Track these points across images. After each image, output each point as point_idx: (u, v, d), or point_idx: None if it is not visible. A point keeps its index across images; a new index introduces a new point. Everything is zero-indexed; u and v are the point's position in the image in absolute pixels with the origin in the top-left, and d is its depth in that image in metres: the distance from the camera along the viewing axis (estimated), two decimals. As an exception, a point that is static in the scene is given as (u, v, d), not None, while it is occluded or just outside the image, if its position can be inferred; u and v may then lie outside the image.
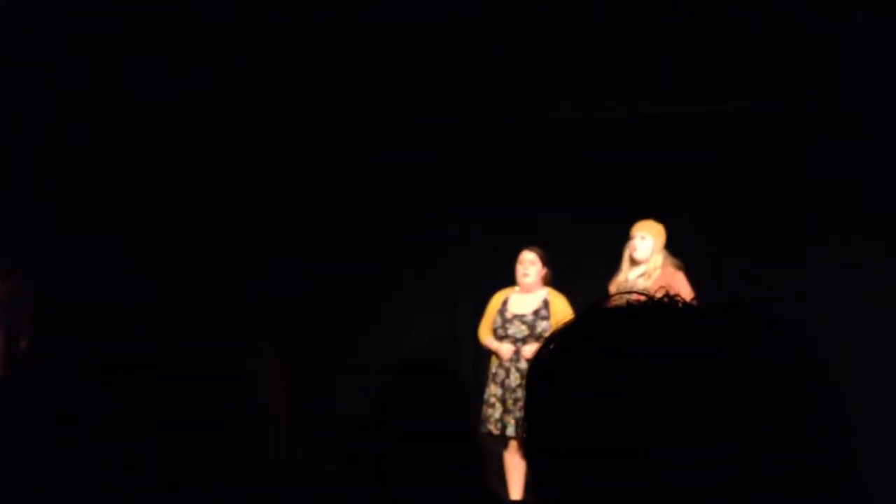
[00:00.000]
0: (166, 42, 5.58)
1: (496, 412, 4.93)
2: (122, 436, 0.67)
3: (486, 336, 5.13)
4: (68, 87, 5.57)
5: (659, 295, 0.66)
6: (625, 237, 4.96)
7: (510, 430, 4.83)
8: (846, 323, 5.04)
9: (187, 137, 5.97)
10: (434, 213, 6.20)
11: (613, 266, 5.03)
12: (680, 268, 4.87)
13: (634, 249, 4.88)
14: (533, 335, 4.91)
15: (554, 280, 5.14)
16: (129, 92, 5.72)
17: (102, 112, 5.78)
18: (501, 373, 4.97)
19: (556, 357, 0.66)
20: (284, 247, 6.02)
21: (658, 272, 4.82)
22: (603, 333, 0.64)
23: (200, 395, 0.70)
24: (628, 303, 0.66)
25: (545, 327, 4.93)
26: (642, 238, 4.88)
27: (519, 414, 4.75)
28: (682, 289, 4.75)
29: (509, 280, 5.19)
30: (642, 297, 0.66)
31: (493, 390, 4.98)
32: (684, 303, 0.66)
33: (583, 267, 5.61)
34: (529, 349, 4.89)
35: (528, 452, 0.65)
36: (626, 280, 4.88)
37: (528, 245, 5.14)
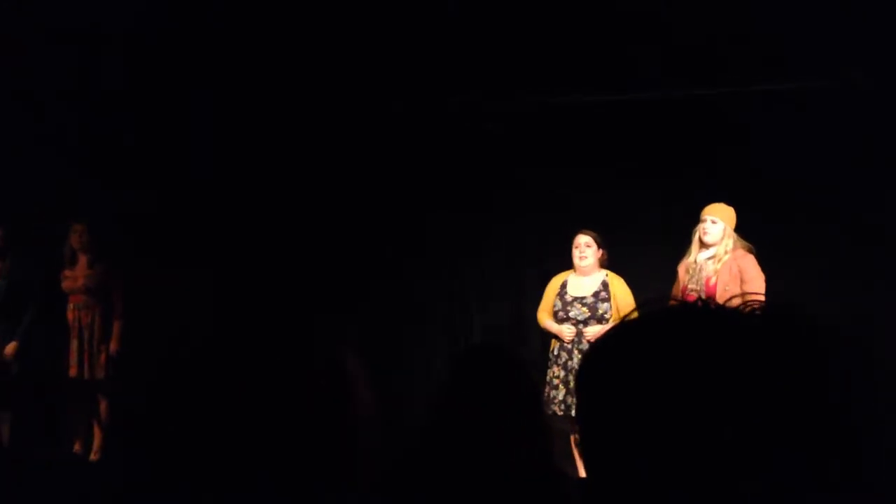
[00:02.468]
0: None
1: (560, 394, 4.98)
2: (227, 429, 0.73)
3: (545, 319, 5.17)
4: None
5: (724, 295, 0.69)
6: (685, 219, 4.94)
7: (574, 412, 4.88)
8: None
9: (268, 150, 6.19)
10: (499, 196, 6.23)
11: (675, 248, 5.01)
12: (750, 251, 4.81)
13: (705, 233, 4.84)
14: (594, 317, 4.95)
15: (615, 261, 5.15)
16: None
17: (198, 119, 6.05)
18: (564, 355, 5.01)
19: (614, 354, 0.70)
20: (352, 235, 6.14)
21: (728, 256, 4.78)
22: (657, 336, 0.68)
23: (304, 392, 0.76)
24: (684, 303, 0.70)
25: (606, 309, 4.96)
26: (713, 222, 4.83)
27: None
28: (753, 272, 4.71)
29: (570, 262, 5.22)
30: (694, 298, 0.69)
31: (556, 372, 5.03)
32: (738, 308, 0.68)
33: (643, 248, 5.60)
34: (591, 330, 4.93)
35: (581, 437, 0.70)
36: (696, 262, 4.86)
37: (582, 229, 5.15)
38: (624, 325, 0.71)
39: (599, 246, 5.10)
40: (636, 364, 0.67)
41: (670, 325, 0.68)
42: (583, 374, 0.72)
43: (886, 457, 0.62)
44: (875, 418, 0.63)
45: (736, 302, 0.68)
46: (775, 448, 0.61)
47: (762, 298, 0.70)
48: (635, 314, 0.72)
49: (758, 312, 0.67)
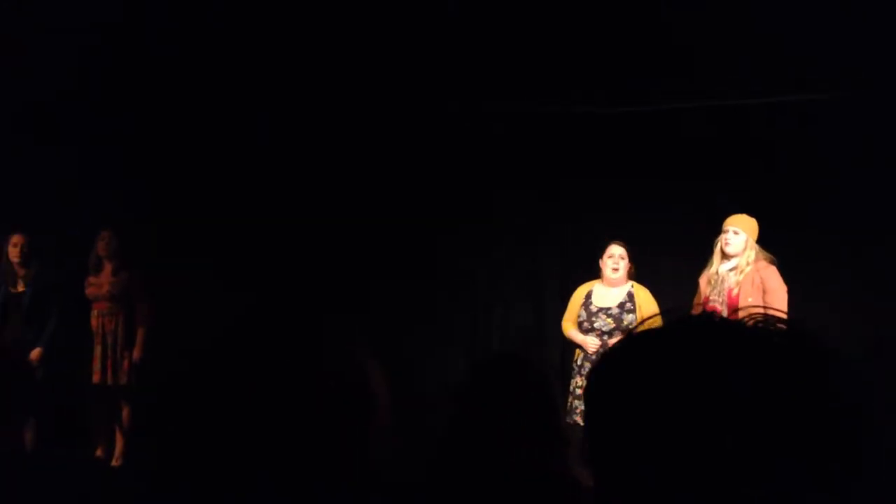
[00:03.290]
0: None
1: (582, 404, 4.95)
2: (244, 431, 0.74)
3: (570, 329, 5.15)
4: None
5: (745, 308, 0.70)
6: (707, 229, 4.92)
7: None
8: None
9: (285, 151, 6.24)
10: (519, 206, 6.24)
11: (696, 258, 4.99)
12: (773, 262, 4.77)
13: (727, 244, 4.81)
14: (619, 328, 4.93)
15: (638, 271, 5.14)
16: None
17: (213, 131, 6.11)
18: (588, 365, 4.99)
19: (621, 365, 0.72)
20: (374, 241, 6.17)
21: (750, 267, 4.74)
22: (662, 347, 0.70)
23: (320, 394, 0.77)
24: (689, 315, 0.71)
25: (631, 320, 4.94)
26: (735, 233, 4.80)
27: None
28: (775, 283, 4.68)
29: (594, 272, 5.20)
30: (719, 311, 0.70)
31: (579, 382, 5.02)
32: (742, 320, 0.69)
33: (665, 259, 5.58)
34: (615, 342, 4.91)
35: (588, 445, 0.71)
36: (717, 273, 4.83)
37: (614, 239, 5.14)
38: (631, 337, 0.72)
39: (630, 258, 5.09)
40: (641, 374, 0.68)
41: (675, 337, 0.69)
42: (591, 383, 0.73)
43: (887, 459, 0.63)
44: (875, 423, 0.64)
45: (740, 314, 0.70)
46: (777, 456, 0.62)
47: (771, 311, 0.71)
48: (642, 327, 0.74)
49: (761, 325, 0.68)
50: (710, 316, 0.70)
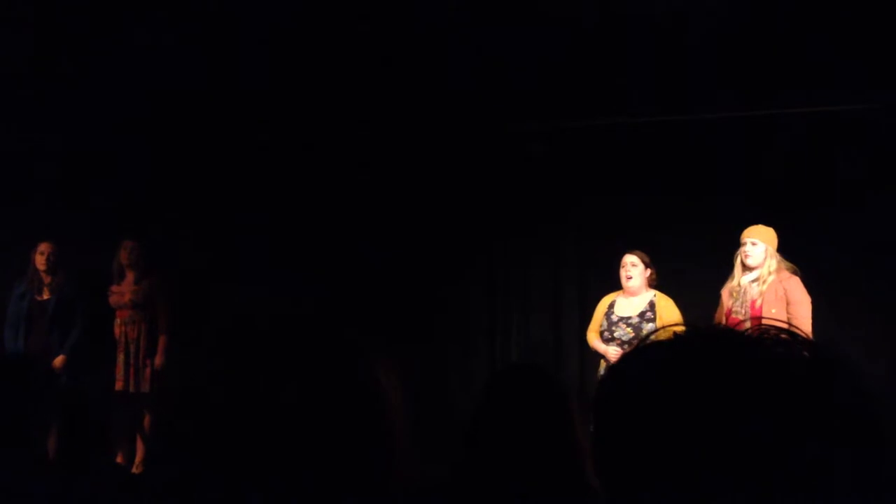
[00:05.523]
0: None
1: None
2: (259, 437, 0.75)
3: (593, 339, 5.14)
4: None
5: (766, 323, 0.70)
6: (733, 238, 4.90)
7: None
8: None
9: (314, 156, 6.29)
10: (539, 216, 6.23)
11: (720, 270, 4.96)
12: (795, 272, 4.74)
13: (746, 256, 4.78)
14: (638, 338, 4.90)
15: (660, 282, 5.11)
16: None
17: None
18: (608, 376, 4.98)
19: (627, 377, 0.73)
20: (391, 251, 6.18)
21: (772, 277, 4.71)
22: (670, 360, 0.70)
23: (332, 398, 0.78)
24: (696, 328, 0.72)
25: (651, 329, 4.90)
26: (753, 244, 4.77)
27: None
28: (798, 294, 4.65)
29: (614, 283, 5.19)
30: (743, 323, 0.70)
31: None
32: (748, 332, 0.69)
33: (692, 269, 5.55)
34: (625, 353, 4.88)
35: (595, 455, 0.72)
36: (739, 285, 4.80)
37: (629, 248, 5.12)
38: (640, 349, 0.73)
39: (647, 265, 5.05)
40: (647, 385, 0.69)
41: (682, 348, 0.70)
42: (599, 394, 0.74)
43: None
44: (888, 435, 0.65)
45: (746, 326, 0.70)
46: (784, 470, 0.63)
47: (773, 321, 0.71)
48: (651, 339, 0.74)
49: (766, 337, 0.68)
50: (719, 328, 0.71)
